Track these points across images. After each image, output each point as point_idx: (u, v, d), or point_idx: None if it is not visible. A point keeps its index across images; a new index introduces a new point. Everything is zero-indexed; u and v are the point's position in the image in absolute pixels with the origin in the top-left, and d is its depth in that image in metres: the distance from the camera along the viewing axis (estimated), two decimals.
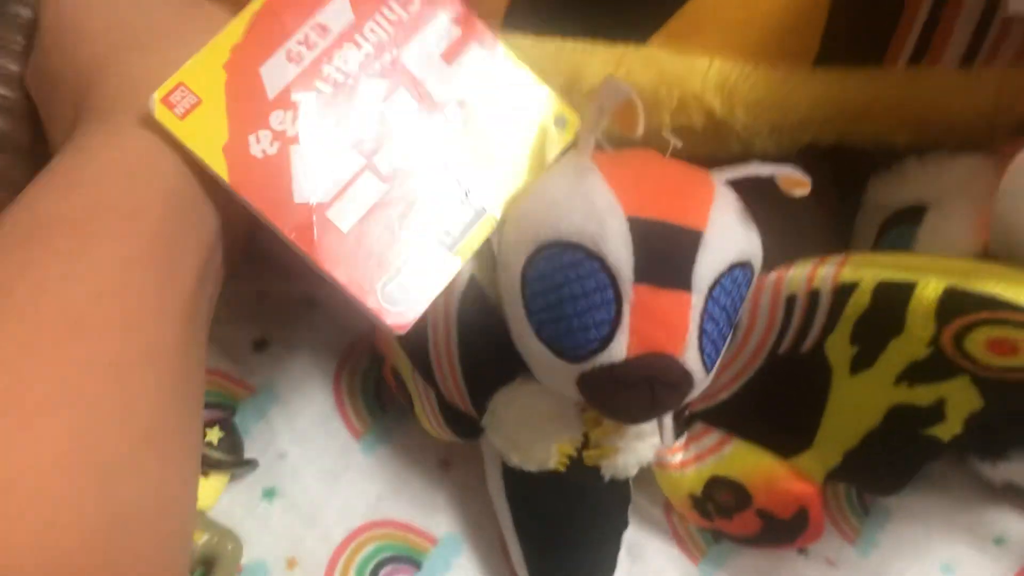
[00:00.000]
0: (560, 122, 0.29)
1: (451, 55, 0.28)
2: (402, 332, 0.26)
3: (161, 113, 0.25)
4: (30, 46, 0.31)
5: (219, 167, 0.25)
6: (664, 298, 0.25)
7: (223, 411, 0.36)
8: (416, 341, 0.31)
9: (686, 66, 0.30)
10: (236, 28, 0.26)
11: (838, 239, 0.38)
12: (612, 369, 0.25)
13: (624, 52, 0.30)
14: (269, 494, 0.36)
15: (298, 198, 0.26)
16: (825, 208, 0.37)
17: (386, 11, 0.27)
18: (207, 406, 0.36)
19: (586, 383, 0.26)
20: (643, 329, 0.25)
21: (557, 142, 0.29)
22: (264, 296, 0.38)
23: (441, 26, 0.28)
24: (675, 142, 0.28)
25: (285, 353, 0.38)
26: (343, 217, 0.26)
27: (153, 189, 0.25)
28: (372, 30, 0.27)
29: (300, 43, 0.26)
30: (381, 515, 0.36)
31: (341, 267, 0.26)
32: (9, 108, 0.31)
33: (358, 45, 0.27)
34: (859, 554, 0.38)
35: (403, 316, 0.26)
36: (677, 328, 0.25)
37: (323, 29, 0.27)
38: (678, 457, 0.35)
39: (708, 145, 0.32)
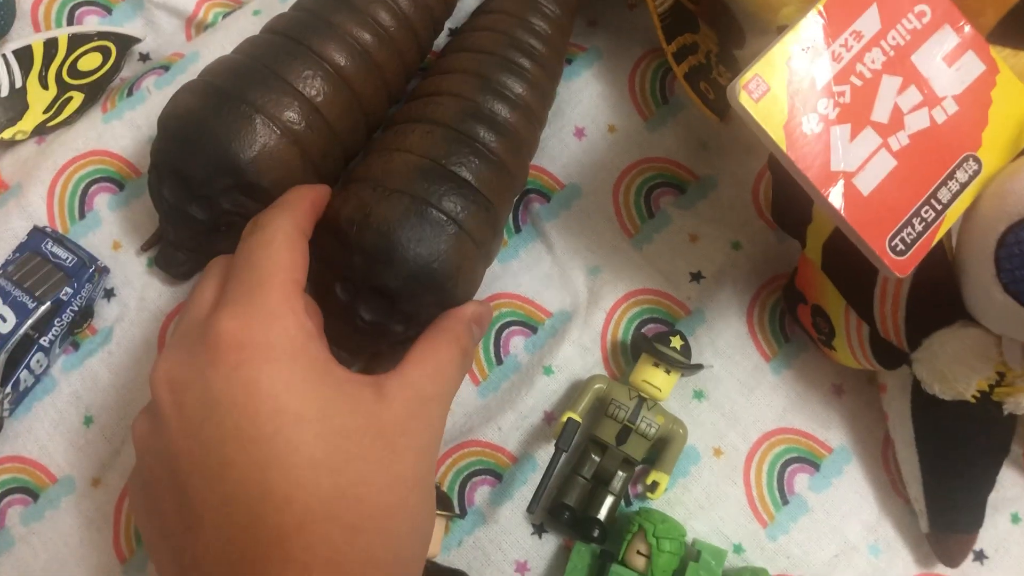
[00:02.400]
0: None
1: (951, 59, 0.35)
2: (903, 276, 0.34)
3: (743, 97, 0.33)
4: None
5: (780, 140, 0.33)
6: None
7: (667, 326, 0.45)
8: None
9: None
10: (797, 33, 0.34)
11: None
12: None
13: None
14: (699, 395, 0.45)
15: (834, 167, 0.34)
16: None
17: (905, 21, 0.35)
18: (660, 321, 0.45)
19: None
20: None
21: None
22: (695, 238, 0.47)
23: (945, 34, 0.35)
24: None
25: (713, 285, 0.46)
26: (864, 183, 0.34)
27: None
28: (894, 36, 0.34)
29: (842, 46, 0.34)
30: (786, 423, 0.45)
31: (861, 222, 0.34)
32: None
33: (883, 48, 0.34)
34: None
35: (905, 265, 0.34)
36: None
37: (858, 35, 0.34)
38: None
39: None
